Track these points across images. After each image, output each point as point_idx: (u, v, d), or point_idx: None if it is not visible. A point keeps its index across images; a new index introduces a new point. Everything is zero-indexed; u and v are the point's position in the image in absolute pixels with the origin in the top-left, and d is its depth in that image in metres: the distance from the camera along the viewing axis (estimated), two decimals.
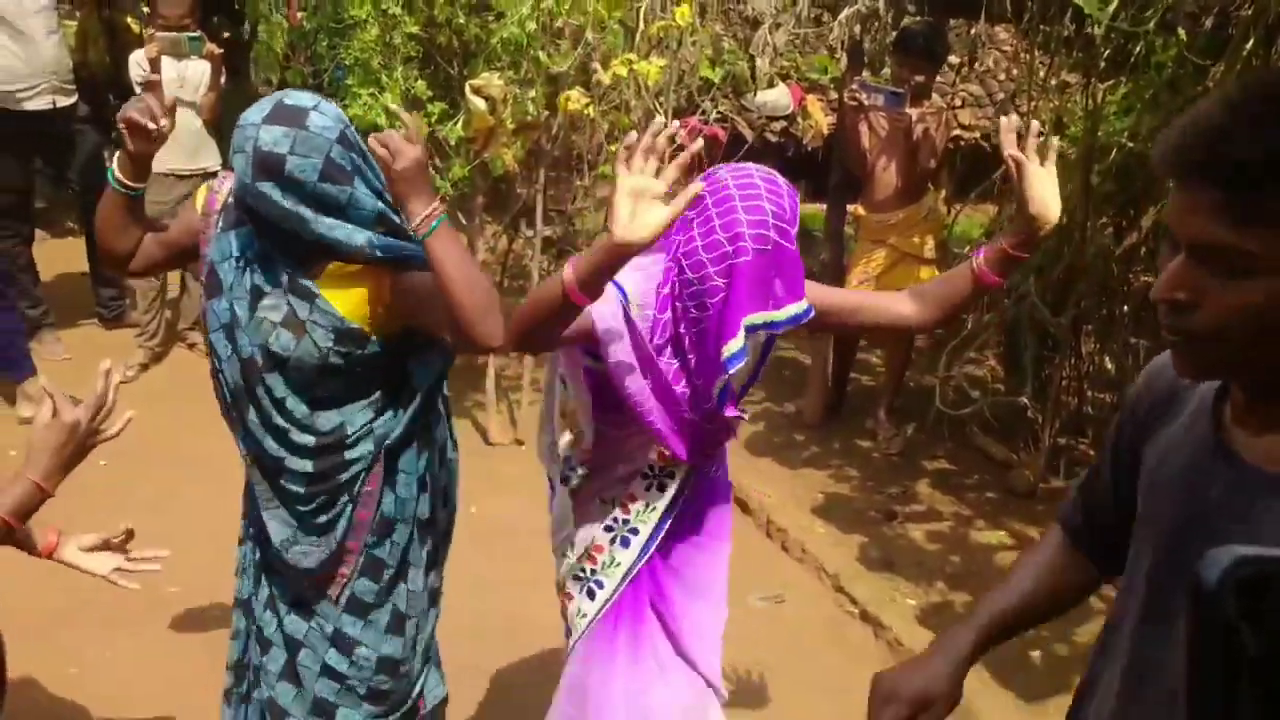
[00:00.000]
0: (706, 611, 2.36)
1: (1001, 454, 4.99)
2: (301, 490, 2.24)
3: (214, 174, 5.54)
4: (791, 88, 8.01)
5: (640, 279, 2.04)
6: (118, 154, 2.20)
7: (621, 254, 1.70)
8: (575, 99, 4.46)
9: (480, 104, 4.36)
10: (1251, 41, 3.94)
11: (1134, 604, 1.27)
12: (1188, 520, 1.17)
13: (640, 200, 1.66)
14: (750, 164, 2.07)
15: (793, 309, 1.99)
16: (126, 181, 2.21)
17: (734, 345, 1.94)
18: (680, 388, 2.10)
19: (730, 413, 2.10)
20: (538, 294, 1.86)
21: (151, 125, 2.10)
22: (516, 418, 5.09)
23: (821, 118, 7.35)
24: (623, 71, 4.44)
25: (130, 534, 2.22)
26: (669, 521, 2.25)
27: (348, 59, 4.55)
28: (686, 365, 2.08)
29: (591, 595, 2.28)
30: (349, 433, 2.22)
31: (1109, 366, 5.04)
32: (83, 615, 3.46)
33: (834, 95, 8.08)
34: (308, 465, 2.22)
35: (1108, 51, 4.57)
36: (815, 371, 5.44)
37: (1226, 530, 1.10)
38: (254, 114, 2.02)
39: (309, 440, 2.20)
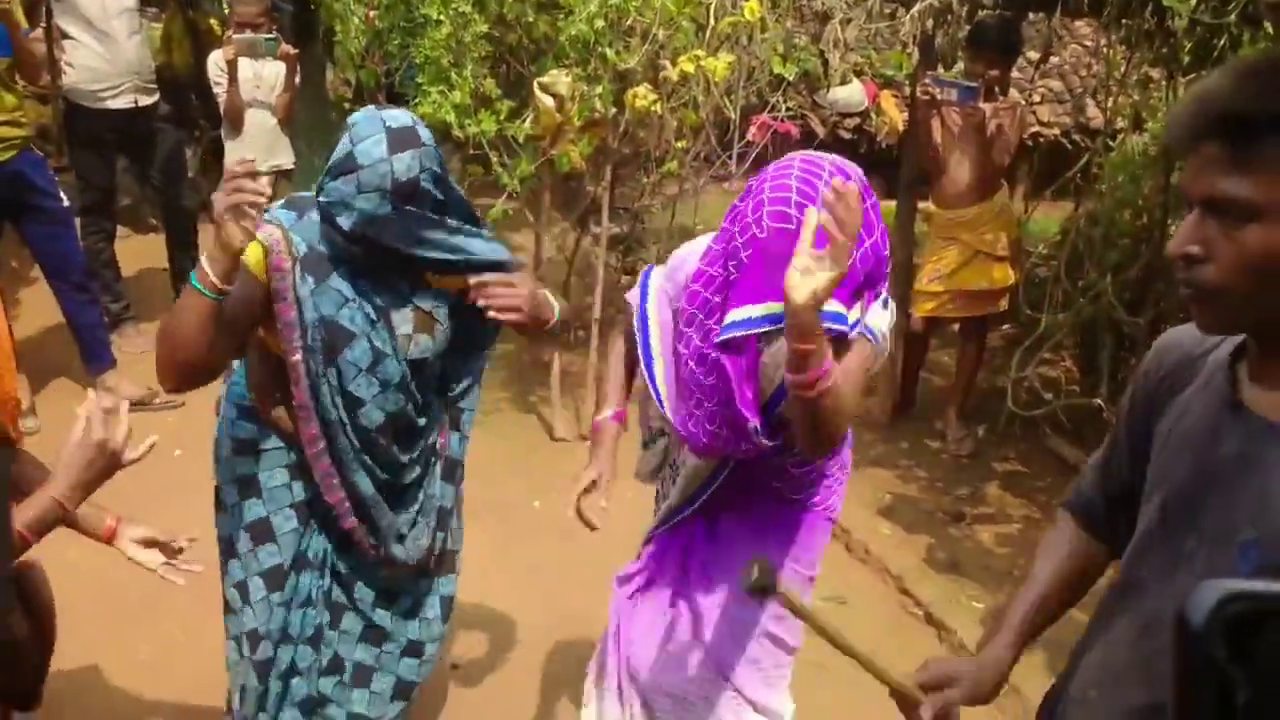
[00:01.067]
0: (735, 622, 2.30)
1: (1074, 456, 4.87)
2: (419, 474, 2.37)
3: (288, 171, 5.69)
4: (866, 84, 7.92)
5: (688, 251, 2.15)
6: (204, 255, 1.96)
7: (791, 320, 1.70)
8: (643, 96, 4.46)
9: (548, 101, 4.38)
10: None
11: (1146, 560, 1.30)
12: (1201, 474, 1.21)
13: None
14: (826, 154, 1.99)
15: (832, 307, 1.87)
16: (218, 284, 1.96)
17: (739, 314, 1.89)
18: (694, 367, 2.05)
19: (744, 405, 1.97)
20: None
21: (260, 199, 1.92)
22: (581, 414, 5.11)
23: (896, 114, 7.27)
24: (690, 68, 4.43)
25: (191, 542, 2.18)
26: (692, 506, 2.28)
27: (419, 58, 4.61)
28: (705, 335, 2.03)
29: (656, 510, 2.43)
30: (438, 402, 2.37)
31: None
32: (157, 600, 3.54)
33: (909, 91, 7.99)
34: (419, 449, 2.34)
35: (1190, 45, 4.44)
36: (884, 370, 5.37)
37: (1237, 482, 1.16)
38: (372, 149, 1.96)
39: (423, 420, 2.33)
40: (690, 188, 5.63)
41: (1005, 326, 5.89)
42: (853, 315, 1.93)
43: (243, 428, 2.33)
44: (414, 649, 2.50)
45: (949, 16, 4.65)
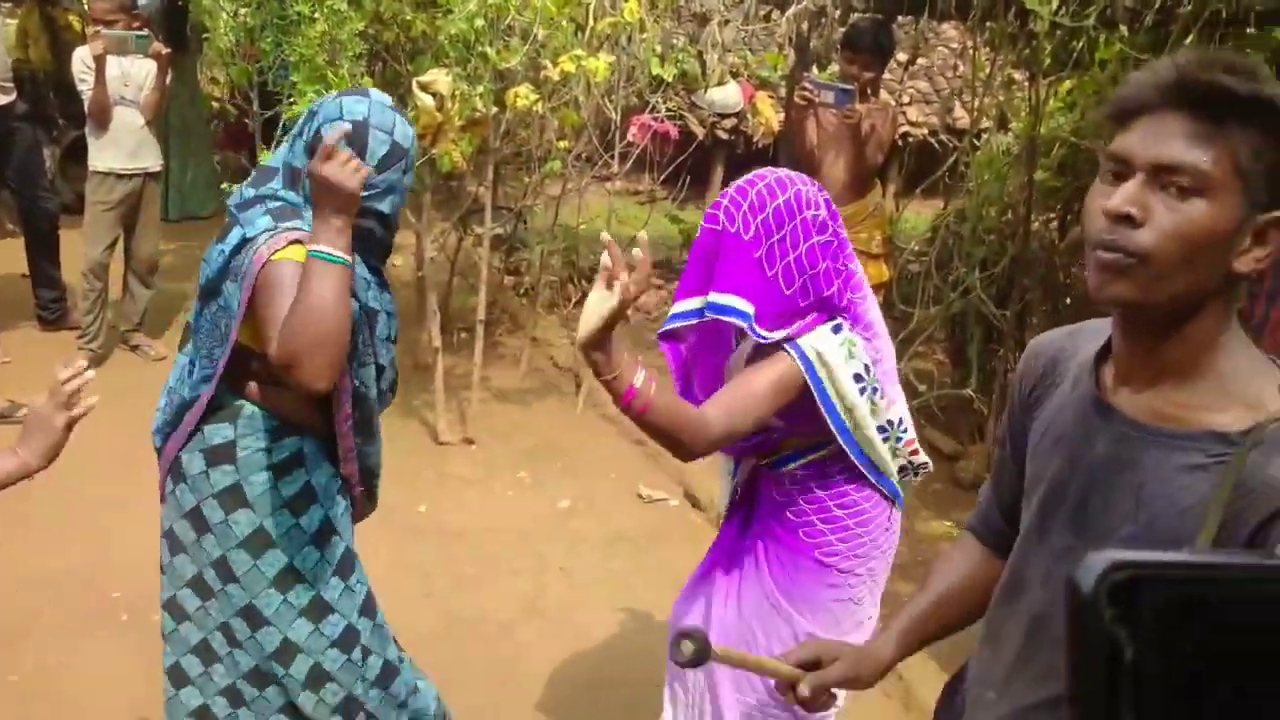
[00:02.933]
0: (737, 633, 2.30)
1: (948, 446, 5.04)
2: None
3: (155, 174, 5.51)
4: (742, 85, 8.04)
5: None
6: (324, 225, 1.92)
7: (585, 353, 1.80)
8: (524, 95, 4.46)
9: (428, 100, 4.34)
10: (1191, 37, 4.01)
11: (1028, 560, 1.34)
12: (1075, 474, 1.25)
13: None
14: (773, 171, 2.09)
15: (723, 299, 1.98)
16: (348, 252, 1.95)
17: (677, 307, 2.06)
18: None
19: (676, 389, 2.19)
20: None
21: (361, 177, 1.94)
22: (466, 416, 5.08)
23: (771, 115, 7.38)
24: (571, 68, 4.44)
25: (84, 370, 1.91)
26: (724, 505, 2.41)
27: (293, 56, 4.51)
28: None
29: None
30: None
31: None
32: (30, 623, 3.41)
33: (784, 92, 8.12)
34: None
35: (1050, 48, 4.63)
36: None
37: (1111, 481, 1.20)
38: (406, 130, 2.07)
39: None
40: (573, 188, 5.64)
41: None
42: (779, 332, 2.01)
43: (282, 448, 2.17)
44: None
45: (823, 19, 4.76)
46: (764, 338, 2.00)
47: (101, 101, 5.16)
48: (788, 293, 2.00)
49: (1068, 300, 4.91)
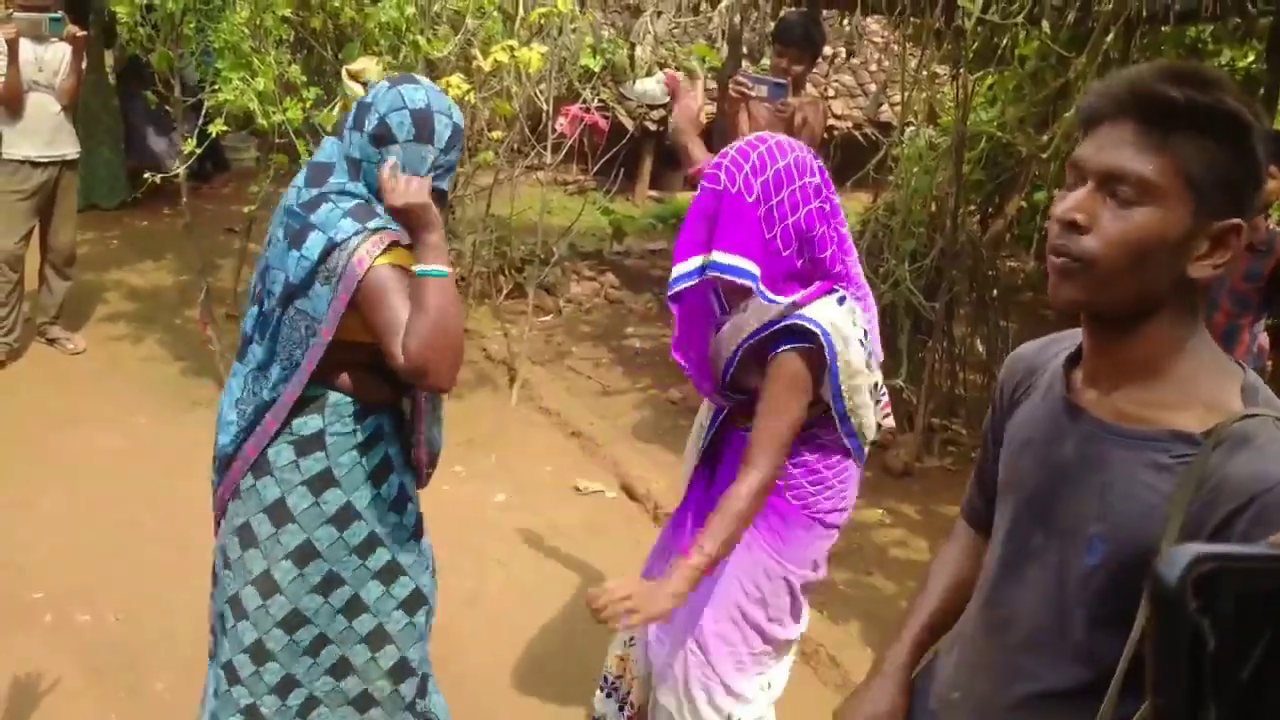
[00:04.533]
0: (717, 590, 2.36)
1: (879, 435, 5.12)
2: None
3: (73, 162, 5.35)
4: (669, 77, 8.05)
5: None
6: (428, 242, 2.00)
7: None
8: (455, 85, 4.41)
9: (357, 89, 4.26)
10: (1111, 35, 4.11)
11: (999, 558, 1.36)
12: (1045, 474, 1.28)
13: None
14: (772, 136, 2.15)
15: (727, 258, 2.03)
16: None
17: (678, 269, 2.12)
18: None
19: (675, 353, 2.22)
20: None
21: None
22: None
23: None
24: (504, 58, 4.41)
25: None
26: (695, 460, 2.45)
27: (217, 42, 4.40)
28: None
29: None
30: None
31: (980, 349, 5.22)
32: None
33: (712, 84, 8.15)
34: None
35: (976, 44, 4.73)
36: None
37: (1079, 480, 1.23)
38: (456, 113, 2.12)
39: None
40: (505, 178, 5.60)
41: None
42: (785, 297, 2.09)
43: (366, 428, 2.26)
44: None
45: (755, 13, 4.79)
46: (770, 299, 2.07)
47: (14, 87, 4.98)
48: (785, 254, 2.07)
49: (994, 292, 5.01)
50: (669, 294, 2.16)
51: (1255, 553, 0.61)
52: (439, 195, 2.14)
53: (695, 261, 2.10)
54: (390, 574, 2.34)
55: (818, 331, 2.06)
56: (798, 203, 2.06)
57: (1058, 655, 1.25)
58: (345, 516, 2.27)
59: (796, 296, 2.10)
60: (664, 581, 2.06)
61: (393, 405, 2.31)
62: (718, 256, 2.05)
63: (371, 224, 2.08)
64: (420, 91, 2.11)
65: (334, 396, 2.23)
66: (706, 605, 2.37)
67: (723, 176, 2.06)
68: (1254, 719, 0.58)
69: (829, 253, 2.11)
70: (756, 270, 2.04)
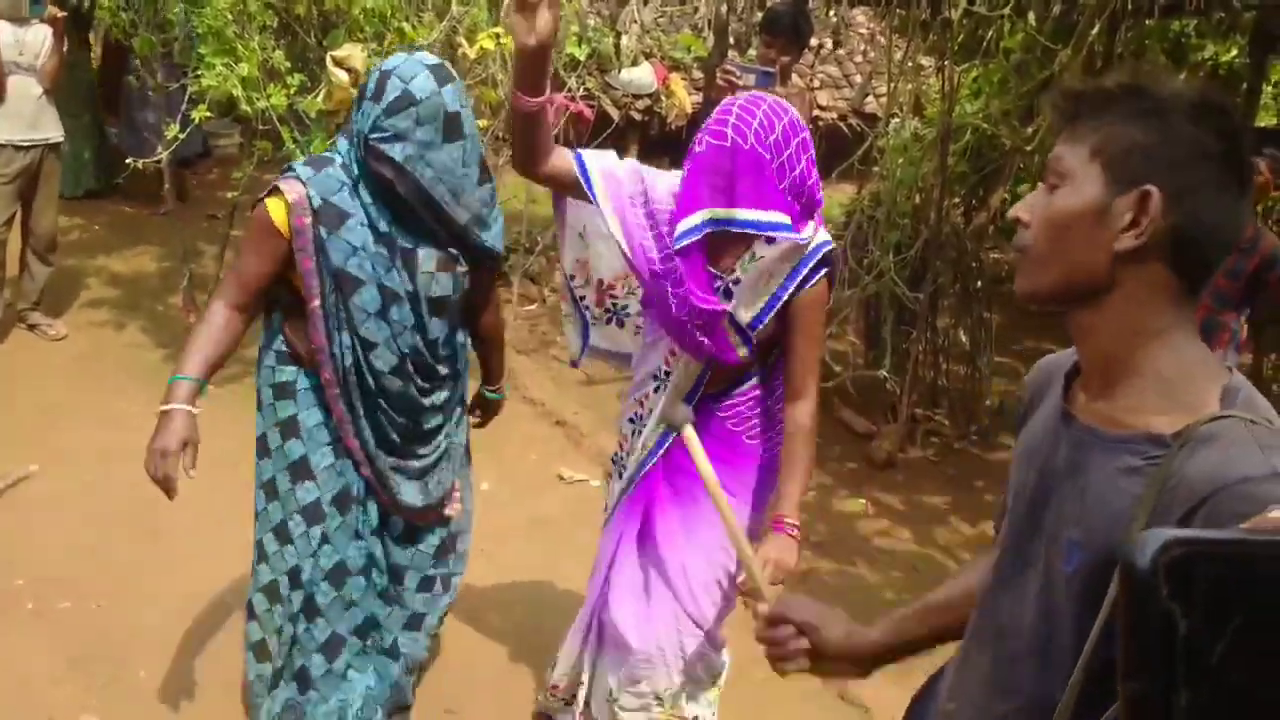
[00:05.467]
0: (696, 551, 2.47)
1: (862, 425, 5.14)
2: (440, 420, 2.52)
3: (55, 146, 5.30)
4: (655, 66, 8.04)
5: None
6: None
7: (521, 50, 1.97)
8: None
9: (342, 76, 4.25)
10: (1096, 28, 4.12)
11: (1001, 567, 1.35)
12: (1041, 482, 1.28)
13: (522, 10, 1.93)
14: (765, 95, 2.28)
15: (762, 215, 2.17)
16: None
17: (685, 223, 2.19)
18: (659, 265, 2.27)
19: (704, 302, 2.24)
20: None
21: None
22: None
23: (685, 96, 7.40)
24: (490, 45, 4.39)
25: None
26: (671, 436, 2.44)
27: (200, 27, 4.37)
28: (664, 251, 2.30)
29: (619, 477, 2.59)
30: (459, 349, 2.53)
31: (963, 340, 5.24)
32: None
33: (697, 74, 8.14)
34: (444, 394, 2.51)
35: (961, 36, 4.73)
36: None
37: (1066, 485, 1.23)
38: (425, 83, 2.15)
39: (446, 369, 2.48)
40: (491, 166, 5.58)
41: None
42: (806, 232, 2.24)
43: (282, 372, 2.46)
44: (427, 583, 2.70)
45: (741, 2, 4.78)
46: (803, 239, 2.23)
47: None
48: (790, 201, 2.21)
49: (978, 283, 5.03)
50: (675, 248, 2.22)
51: (1225, 537, 0.63)
52: (394, 166, 2.18)
53: (701, 215, 2.18)
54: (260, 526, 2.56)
55: (838, 253, 2.31)
56: (799, 156, 2.20)
57: (1047, 665, 1.23)
58: (260, 448, 2.54)
59: (811, 230, 2.26)
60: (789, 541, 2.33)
61: (310, 367, 2.41)
62: (747, 214, 2.17)
63: (292, 170, 2.27)
64: (401, 57, 2.22)
65: (276, 330, 2.47)
66: (686, 585, 2.46)
67: (731, 134, 2.15)
68: (1225, 702, 0.59)
69: (820, 196, 2.29)
70: (788, 219, 2.18)
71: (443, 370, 2.48)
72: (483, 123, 4.93)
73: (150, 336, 5.54)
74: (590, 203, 2.26)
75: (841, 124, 9.24)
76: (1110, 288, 1.19)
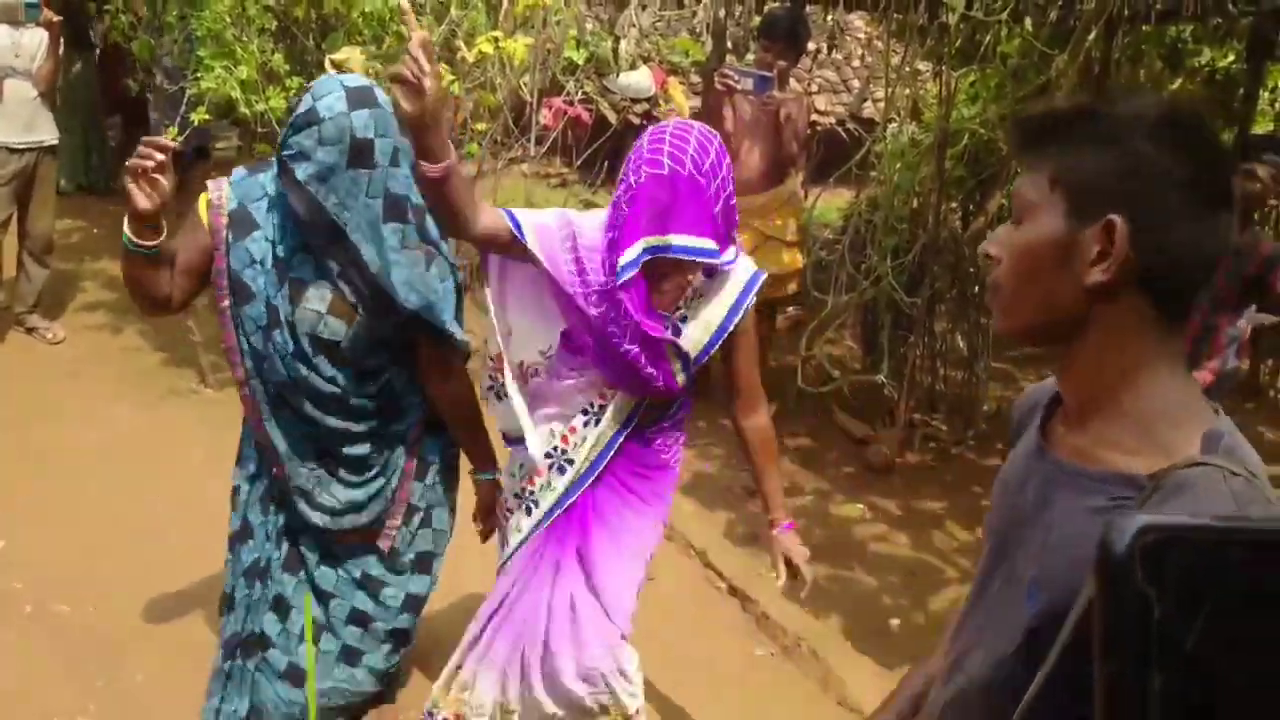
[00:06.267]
0: (622, 562, 2.49)
1: (860, 430, 5.14)
2: (366, 451, 2.44)
3: (51, 148, 5.30)
4: (653, 70, 8.06)
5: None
6: (126, 216, 2.11)
7: (409, 122, 1.92)
8: (440, 76, 4.39)
9: None
10: (1093, 34, 4.14)
11: (969, 602, 1.32)
12: (1010, 518, 1.24)
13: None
14: (693, 123, 2.27)
15: (694, 241, 2.15)
16: (142, 243, 2.14)
17: (626, 255, 2.16)
18: (593, 309, 2.25)
19: (653, 330, 2.24)
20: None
21: (150, 163, 2.03)
22: None
23: (683, 100, 7.41)
24: (489, 49, 4.39)
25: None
26: (602, 463, 2.43)
27: (199, 30, 4.38)
28: (607, 294, 2.26)
29: (529, 513, 2.49)
30: (399, 392, 2.44)
31: (961, 345, 5.24)
32: None
33: (695, 79, 8.16)
34: (369, 425, 2.42)
35: (958, 41, 4.74)
36: None
37: (1032, 522, 1.18)
38: (334, 103, 2.08)
39: (366, 403, 2.39)
40: (488, 170, 5.59)
41: (790, 308, 6.13)
42: (728, 256, 2.26)
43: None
44: (360, 618, 2.62)
45: (740, 7, 4.79)
46: (727, 263, 2.26)
47: None
48: (719, 226, 2.21)
49: (975, 288, 5.03)
50: (619, 282, 2.18)
51: (1199, 524, 0.63)
52: (291, 178, 2.12)
53: (639, 245, 2.16)
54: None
55: (761, 276, 2.38)
56: (727, 181, 2.21)
57: (997, 704, 1.14)
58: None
59: (732, 254, 2.28)
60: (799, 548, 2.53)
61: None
62: (682, 240, 2.15)
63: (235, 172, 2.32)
64: (329, 75, 2.23)
65: None
66: (613, 603, 2.47)
67: (669, 162, 2.13)
68: (1198, 686, 0.61)
69: (736, 217, 2.31)
70: (716, 246, 2.19)
71: (365, 407, 2.42)
72: (481, 126, 4.95)
73: (148, 340, 5.54)
74: (523, 258, 2.25)
75: (839, 128, 9.25)
76: (1085, 322, 1.12)
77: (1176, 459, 1.05)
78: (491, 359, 2.53)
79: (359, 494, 2.48)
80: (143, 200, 2.06)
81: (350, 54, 4.27)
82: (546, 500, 2.46)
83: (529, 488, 2.49)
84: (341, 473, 2.44)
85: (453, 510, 2.71)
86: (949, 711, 1.27)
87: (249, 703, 2.57)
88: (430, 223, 2.31)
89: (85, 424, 4.51)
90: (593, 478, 2.45)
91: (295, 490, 2.44)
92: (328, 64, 4.26)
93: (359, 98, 2.12)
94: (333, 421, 2.37)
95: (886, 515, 4.52)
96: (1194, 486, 1.01)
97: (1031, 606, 1.11)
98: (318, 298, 2.26)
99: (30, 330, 5.44)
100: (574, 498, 2.46)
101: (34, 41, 5.08)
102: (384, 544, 2.56)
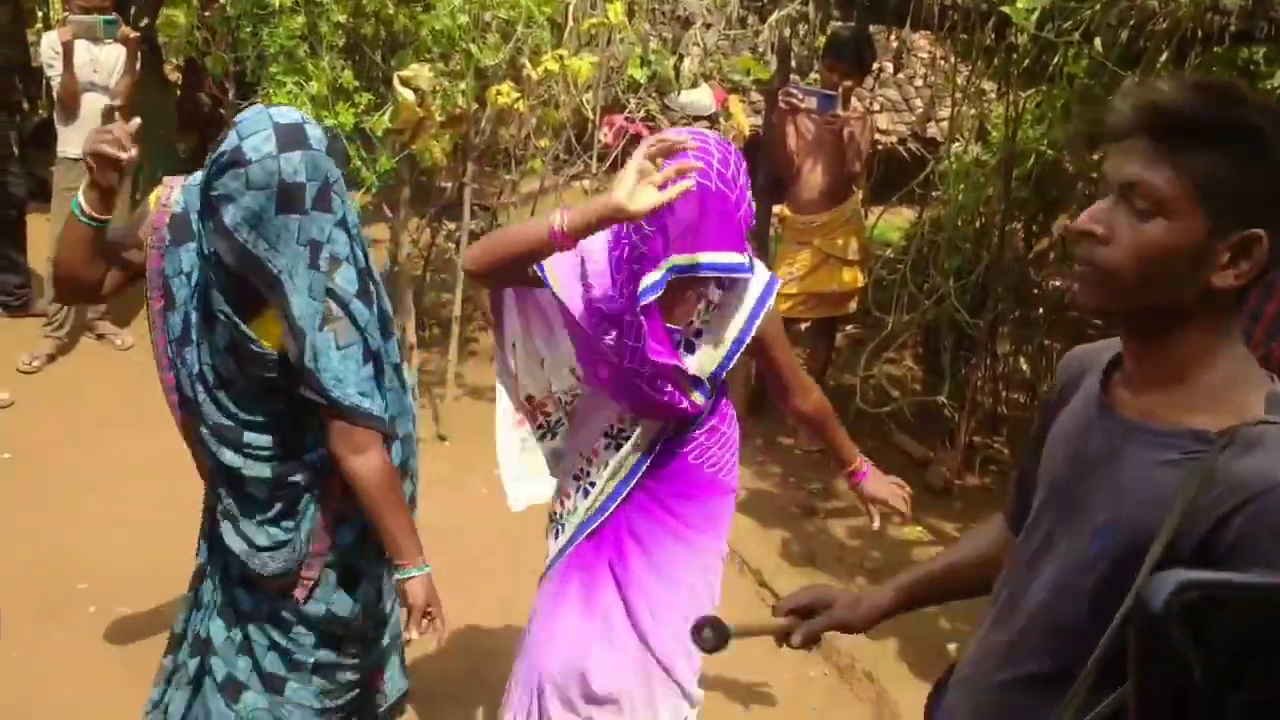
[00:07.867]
0: (668, 597, 2.40)
1: (919, 452, 5.09)
2: (264, 496, 2.24)
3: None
4: (715, 89, 8.06)
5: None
6: (83, 186, 2.07)
7: (614, 218, 1.91)
8: (505, 93, 4.44)
9: (409, 95, 4.32)
10: (1165, 55, 4.07)
11: (1021, 549, 1.41)
12: (1071, 469, 1.32)
13: (643, 179, 1.88)
14: (707, 132, 2.19)
15: (722, 257, 2.10)
16: (93, 214, 2.07)
17: (650, 278, 2.09)
18: (608, 338, 2.19)
19: (658, 355, 2.15)
20: (519, 231, 2.08)
21: (121, 155, 1.99)
22: (439, 413, 5.05)
23: (743, 119, 7.40)
24: (554, 67, 4.44)
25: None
26: (627, 487, 2.36)
27: (271, 47, 4.46)
28: (617, 315, 2.18)
29: (555, 536, 2.47)
30: (305, 440, 2.22)
31: (1023, 367, 5.18)
32: None
33: (756, 97, 8.15)
34: (266, 471, 2.21)
35: (1026, 62, 4.69)
36: (738, 368, 5.48)
37: (1098, 474, 1.26)
38: (261, 143, 1.91)
39: (266, 446, 2.20)
40: (550, 186, 5.63)
41: (850, 327, 6.09)
42: (756, 264, 2.23)
43: None
44: (278, 647, 2.38)
45: (805, 26, 4.79)
46: (752, 274, 2.23)
47: (70, 88, 5.09)
48: (742, 236, 2.18)
49: (1039, 310, 4.97)
50: (641, 305, 2.10)
51: (1243, 581, 0.58)
52: (218, 220, 1.96)
53: (664, 266, 2.08)
54: None
55: (777, 284, 2.33)
56: (746, 188, 2.15)
57: (1054, 641, 1.29)
58: None
59: (750, 257, 2.23)
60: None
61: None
62: (710, 257, 2.09)
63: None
64: (257, 109, 2.01)
65: None
66: (655, 628, 2.38)
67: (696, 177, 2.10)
68: None
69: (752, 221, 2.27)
70: (745, 259, 2.15)
71: (259, 450, 2.21)
72: (544, 143, 4.99)
73: None
74: (537, 285, 2.23)
75: (901, 148, 9.20)
76: (1190, 315, 1.20)
77: (1241, 418, 1.16)
78: (527, 401, 2.52)
79: (262, 537, 2.26)
80: (110, 173, 2.01)
81: (418, 70, 4.34)
82: (570, 525, 2.41)
83: (558, 511, 2.47)
84: (244, 508, 2.27)
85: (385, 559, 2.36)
86: (1001, 651, 1.37)
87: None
88: (345, 277, 2.10)
89: (154, 429, 4.58)
90: (614, 505, 2.37)
91: (220, 511, 2.30)
92: (395, 80, 4.34)
93: (289, 136, 1.94)
94: (227, 455, 2.20)
95: (945, 537, 4.46)
96: (1266, 442, 1.13)
97: (1096, 546, 1.23)
98: (222, 334, 2.13)
99: (100, 336, 5.56)
100: (596, 524, 2.39)
101: (112, 57, 5.21)
102: (298, 594, 2.31)
